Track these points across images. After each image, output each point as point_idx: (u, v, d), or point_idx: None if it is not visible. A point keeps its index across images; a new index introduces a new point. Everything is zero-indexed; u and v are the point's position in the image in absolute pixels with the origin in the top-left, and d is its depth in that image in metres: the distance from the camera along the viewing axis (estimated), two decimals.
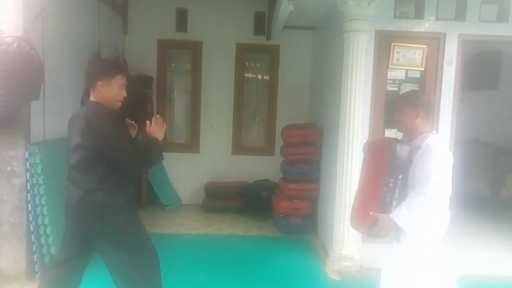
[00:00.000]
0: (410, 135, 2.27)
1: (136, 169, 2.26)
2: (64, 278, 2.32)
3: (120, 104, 2.28)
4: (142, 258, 2.29)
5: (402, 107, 2.26)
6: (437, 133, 2.30)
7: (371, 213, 2.11)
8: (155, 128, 2.35)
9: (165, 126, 2.39)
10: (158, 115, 2.42)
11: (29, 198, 3.13)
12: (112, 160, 2.12)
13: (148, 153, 2.25)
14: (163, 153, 2.40)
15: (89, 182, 2.14)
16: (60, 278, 2.31)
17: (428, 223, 2.12)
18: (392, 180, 2.07)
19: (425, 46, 3.64)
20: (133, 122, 2.44)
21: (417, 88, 3.68)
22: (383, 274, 2.36)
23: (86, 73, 2.31)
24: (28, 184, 3.12)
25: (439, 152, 2.09)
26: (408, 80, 3.70)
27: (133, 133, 2.42)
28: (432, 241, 2.17)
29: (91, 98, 2.23)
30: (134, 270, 2.26)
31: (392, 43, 3.63)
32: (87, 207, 2.16)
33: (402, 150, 2.09)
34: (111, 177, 2.16)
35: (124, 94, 2.27)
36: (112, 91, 2.20)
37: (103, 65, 2.34)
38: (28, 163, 3.10)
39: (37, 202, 3.13)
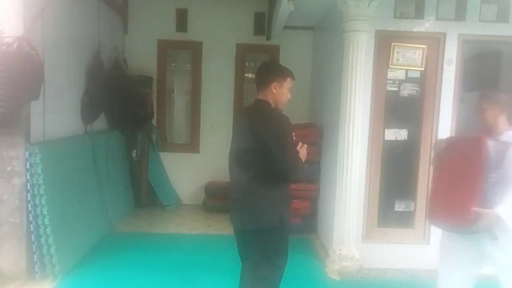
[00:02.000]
0: (492, 133, 2.33)
1: (289, 171, 2.27)
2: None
3: (285, 105, 2.41)
4: (278, 259, 2.40)
5: (485, 104, 2.36)
6: None
7: (474, 209, 2.12)
8: (301, 151, 2.39)
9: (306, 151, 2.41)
10: (301, 143, 2.45)
11: (29, 198, 3.13)
12: (272, 157, 2.15)
13: (300, 163, 2.31)
14: None
15: (248, 172, 2.23)
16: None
17: None
18: (492, 175, 2.13)
19: (425, 46, 3.64)
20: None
21: (417, 88, 3.69)
22: (500, 274, 2.33)
23: (262, 73, 2.40)
24: (28, 184, 3.12)
25: None
26: (408, 80, 3.70)
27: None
28: None
29: (259, 97, 2.34)
30: (268, 268, 2.36)
31: (392, 43, 3.63)
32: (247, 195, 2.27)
33: (499, 146, 2.16)
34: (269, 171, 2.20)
35: (289, 96, 2.40)
36: (283, 93, 2.34)
37: (279, 68, 2.43)
38: (28, 163, 3.10)
39: (37, 202, 3.13)
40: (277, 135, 2.16)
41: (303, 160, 2.34)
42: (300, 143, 2.41)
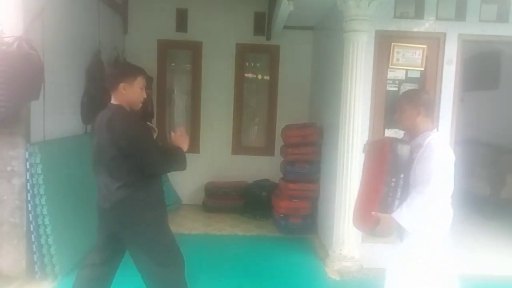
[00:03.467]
0: (411, 134, 2.26)
1: (159, 169, 2.28)
2: (98, 279, 2.39)
3: (141, 105, 2.34)
4: (168, 259, 2.35)
5: (403, 105, 2.26)
6: (437, 131, 2.29)
7: (373, 213, 2.11)
8: (179, 139, 2.40)
9: (188, 137, 2.45)
10: (181, 127, 2.49)
11: (29, 198, 3.13)
12: (137, 160, 2.16)
13: (171, 156, 2.31)
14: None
15: (117, 181, 2.19)
16: (93, 280, 2.37)
17: (431, 221, 2.12)
18: (393, 179, 2.07)
19: (425, 46, 3.64)
20: (153, 125, 2.48)
21: (417, 88, 3.69)
22: (387, 274, 2.35)
23: (108, 75, 2.34)
24: (28, 184, 3.12)
25: (440, 151, 2.08)
26: (408, 80, 3.69)
27: (154, 135, 2.44)
28: (435, 239, 2.17)
29: (113, 101, 2.26)
30: (161, 270, 2.31)
31: (392, 43, 3.63)
32: (116, 204, 2.21)
33: (403, 149, 2.09)
34: (138, 174, 2.20)
35: (145, 95, 2.33)
36: (134, 93, 2.25)
37: (125, 68, 2.38)
38: (28, 163, 3.10)
39: (37, 202, 3.13)
40: (132, 140, 2.12)
41: (184, 147, 2.37)
42: (179, 130, 2.43)
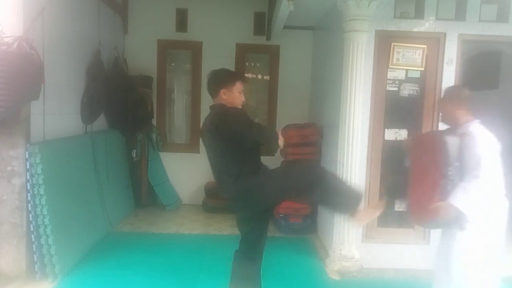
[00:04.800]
0: (453, 125, 2.43)
1: (268, 140, 2.40)
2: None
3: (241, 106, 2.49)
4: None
5: (445, 100, 2.49)
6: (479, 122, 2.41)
7: (435, 204, 2.19)
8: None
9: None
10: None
11: (29, 198, 3.13)
12: (251, 137, 2.30)
13: (269, 130, 2.58)
14: None
15: (235, 170, 2.33)
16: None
17: (487, 207, 2.21)
18: (450, 169, 2.22)
19: (425, 46, 3.64)
20: None
21: (417, 88, 3.69)
22: (445, 265, 2.40)
23: (209, 82, 2.50)
24: (28, 184, 3.12)
25: (483, 137, 2.24)
26: (408, 80, 3.69)
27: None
28: (493, 229, 2.26)
29: (214, 103, 2.46)
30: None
31: (392, 43, 3.63)
32: (240, 190, 2.35)
33: (453, 140, 2.25)
34: (248, 160, 2.35)
35: (243, 98, 2.47)
36: (233, 97, 2.42)
37: (224, 74, 2.51)
38: (28, 163, 3.10)
39: (37, 202, 3.13)
40: (239, 121, 2.27)
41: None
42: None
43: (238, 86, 2.41)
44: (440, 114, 2.60)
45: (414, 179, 2.51)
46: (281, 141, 2.39)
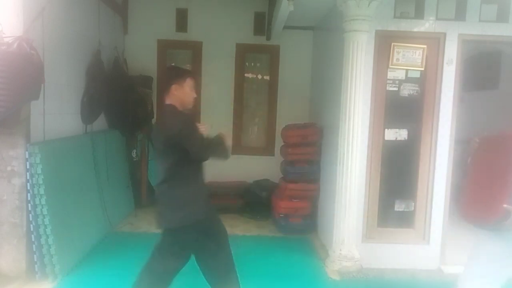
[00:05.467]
0: None
1: (203, 155, 2.52)
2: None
3: (193, 103, 2.59)
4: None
5: None
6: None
7: (505, 206, 2.13)
8: (226, 136, 2.74)
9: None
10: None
11: (29, 198, 3.13)
12: (183, 149, 2.33)
13: (214, 144, 2.60)
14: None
15: (163, 175, 2.43)
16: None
17: None
18: None
19: (425, 46, 3.64)
20: (203, 126, 2.69)
21: (418, 88, 3.69)
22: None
23: (161, 80, 2.58)
24: (28, 184, 3.12)
25: None
26: (408, 80, 3.69)
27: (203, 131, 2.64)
28: None
29: (166, 102, 2.48)
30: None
31: (392, 43, 3.63)
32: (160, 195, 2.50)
33: None
34: (181, 171, 2.43)
35: (195, 95, 2.55)
36: (184, 93, 2.48)
37: (175, 70, 2.63)
38: (28, 163, 3.10)
39: (37, 202, 3.13)
40: (178, 131, 2.31)
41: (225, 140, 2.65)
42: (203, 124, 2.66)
43: (189, 82, 2.48)
44: None
45: (478, 180, 2.45)
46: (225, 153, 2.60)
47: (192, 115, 2.61)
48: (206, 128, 2.66)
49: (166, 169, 2.41)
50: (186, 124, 2.38)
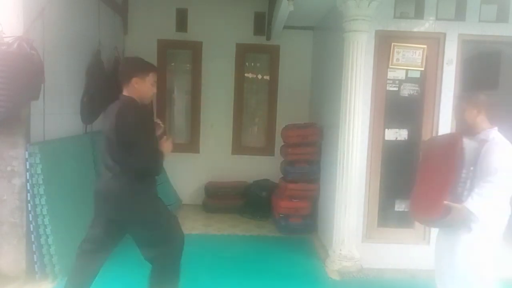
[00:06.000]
0: (472, 132, 2.42)
1: (140, 164, 2.30)
2: (93, 266, 2.52)
3: (151, 99, 2.51)
4: (167, 241, 2.50)
5: (463, 105, 2.46)
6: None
7: (445, 202, 2.23)
8: (169, 145, 2.51)
9: (171, 143, 2.56)
10: (168, 136, 2.59)
11: (29, 198, 3.13)
12: (130, 150, 2.22)
13: (156, 157, 2.37)
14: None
15: (118, 169, 2.29)
16: (90, 267, 2.51)
17: (497, 212, 2.26)
18: (464, 171, 2.26)
19: (425, 46, 3.64)
20: (160, 123, 2.61)
21: (418, 88, 3.70)
22: (448, 263, 2.44)
23: (122, 69, 2.46)
24: (28, 184, 3.12)
25: (504, 145, 2.27)
26: (408, 80, 3.70)
27: (158, 132, 2.54)
28: (493, 235, 2.30)
29: (124, 93, 2.38)
30: (158, 251, 2.47)
31: (392, 43, 3.63)
32: (111, 192, 2.32)
33: (471, 144, 2.29)
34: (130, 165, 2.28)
35: (155, 90, 2.47)
36: (146, 87, 2.39)
37: (138, 63, 2.46)
38: (28, 163, 3.10)
39: (37, 202, 3.13)
40: (130, 128, 2.20)
41: (165, 152, 2.42)
42: (165, 136, 2.51)
43: (151, 77, 2.41)
44: (457, 120, 2.59)
45: (424, 178, 2.54)
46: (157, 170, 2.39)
47: (150, 111, 2.51)
48: (162, 128, 2.57)
49: (122, 161, 2.27)
50: (144, 121, 2.28)
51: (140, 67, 2.40)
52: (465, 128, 2.47)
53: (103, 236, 2.47)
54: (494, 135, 2.33)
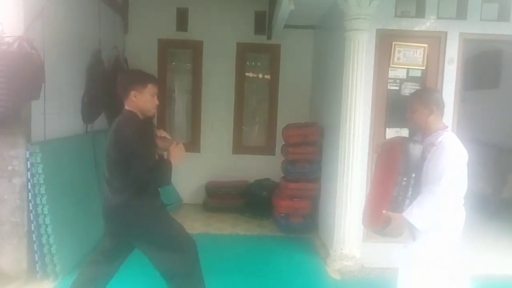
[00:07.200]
0: (424, 133, 2.26)
1: (142, 179, 2.23)
2: (99, 277, 2.46)
3: (154, 111, 2.43)
4: (179, 252, 2.39)
5: (414, 104, 2.26)
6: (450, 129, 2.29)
7: (383, 211, 2.10)
8: (178, 153, 2.40)
9: (184, 151, 2.47)
10: (182, 143, 2.51)
11: (29, 198, 3.13)
12: (129, 165, 2.16)
13: (160, 171, 2.27)
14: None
15: (118, 185, 2.24)
16: (96, 278, 2.44)
17: (443, 221, 2.11)
18: (405, 178, 2.08)
19: (426, 45, 3.63)
20: (166, 135, 2.52)
21: (419, 87, 3.68)
22: (400, 274, 2.35)
23: (119, 83, 2.37)
24: (29, 183, 3.12)
25: (452, 150, 2.09)
26: (409, 79, 3.69)
27: (164, 145, 2.45)
28: (447, 239, 2.17)
29: (126, 107, 2.32)
30: (173, 264, 2.39)
31: (393, 42, 3.62)
32: (117, 209, 2.27)
33: (415, 149, 2.10)
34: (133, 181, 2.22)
35: (157, 102, 2.38)
36: (145, 99, 2.31)
37: (135, 76, 2.42)
38: (29, 163, 3.10)
39: (38, 201, 3.13)
40: (129, 143, 2.14)
41: (174, 161, 2.33)
42: (175, 142, 2.42)
43: (150, 89, 2.31)
44: (408, 119, 2.35)
45: (372, 184, 2.43)
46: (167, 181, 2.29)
47: (150, 125, 2.38)
48: (165, 138, 2.48)
49: (123, 178, 2.21)
50: (141, 137, 2.19)
51: (136, 79, 2.33)
52: (418, 129, 2.32)
53: (110, 249, 2.45)
54: (443, 138, 2.13)
